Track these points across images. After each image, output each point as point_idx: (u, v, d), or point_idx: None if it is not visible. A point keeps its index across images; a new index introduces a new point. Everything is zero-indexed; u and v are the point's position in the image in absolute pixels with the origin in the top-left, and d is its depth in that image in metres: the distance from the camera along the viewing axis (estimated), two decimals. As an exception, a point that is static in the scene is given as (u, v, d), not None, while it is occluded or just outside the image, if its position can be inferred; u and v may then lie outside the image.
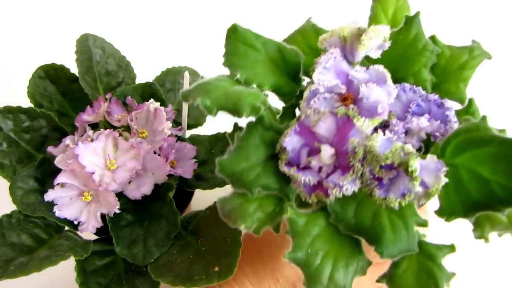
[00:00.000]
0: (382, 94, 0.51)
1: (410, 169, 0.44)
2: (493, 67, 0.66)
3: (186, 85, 0.68)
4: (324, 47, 0.55)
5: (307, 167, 0.50)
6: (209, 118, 0.80)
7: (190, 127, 0.78)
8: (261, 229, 0.49)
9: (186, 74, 0.68)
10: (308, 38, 0.61)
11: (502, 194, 0.43)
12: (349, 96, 0.52)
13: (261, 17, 1.17)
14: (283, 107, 0.58)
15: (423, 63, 0.57)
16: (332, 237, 0.49)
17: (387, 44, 0.53)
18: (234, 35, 0.55)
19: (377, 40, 0.52)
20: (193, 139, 0.75)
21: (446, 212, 0.47)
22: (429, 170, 0.45)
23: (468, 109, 0.57)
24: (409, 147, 0.45)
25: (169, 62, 0.83)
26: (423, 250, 0.49)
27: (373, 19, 0.61)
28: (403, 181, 0.45)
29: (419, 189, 0.45)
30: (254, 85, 0.53)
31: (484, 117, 0.46)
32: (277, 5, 1.21)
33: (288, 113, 0.57)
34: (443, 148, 0.47)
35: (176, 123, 0.76)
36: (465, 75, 0.57)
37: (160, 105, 0.69)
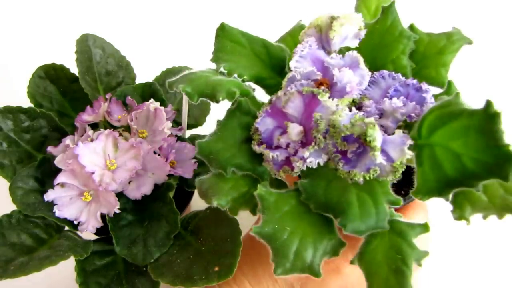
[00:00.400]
0: (353, 76, 0.52)
1: (368, 139, 0.44)
2: (476, 54, 0.66)
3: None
4: (302, 39, 0.57)
5: (277, 147, 0.52)
6: (209, 118, 0.80)
7: (190, 127, 0.78)
8: (236, 209, 0.52)
9: (186, 74, 0.67)
10: (296, 37, 0.62)
11: (473, 167, 0.43)
12: (325, 81, 0.54)
13: (260, 17, 1.17)
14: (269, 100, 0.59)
15: (401, 50, 0.57)
16: (301, 215, 0.50)
17: (363, 33, 0.55)
18: (222, 33, 0.58)
19: (349, 26, 0.53)
20: (193, 139, 0.75)
21: (422, 191, 0.46)
22: (395, 144, 0.46)
23: (448, 92, 0.57)
24: (370, 119, 0.45)
25: (169, 62, 0.83)
26: (394, 228, 0.49)
27: None
28: (368, 156, 0.46)
29: (383, 162, 0.45)
30: (235, 75, 0.56)
31: (457, 93, 0.45)
32: (276, 5, 1.21)
33: None
34: (419, 128, 0.47)
35: (176, 123, 0.76)
36: (444, 59, 0.58)
37: (160, 105, 0.69)
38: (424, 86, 0.54)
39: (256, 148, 0.52)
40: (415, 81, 0.54)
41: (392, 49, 0.58)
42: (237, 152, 0.53)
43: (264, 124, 0.53)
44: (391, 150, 0.46)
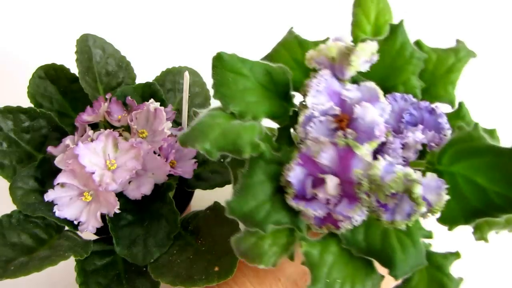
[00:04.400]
0: (377, 113, 0.51)
1: (414, 196, 0.44)
2: (476, 64, 0.66)
3: (186, 85, 0.68)
4: (312, 66, 0.55)
5: (313, 198, 0.50)
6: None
7: (190, 127, 0.78)
8: (278, 262, 0.50)
9: (186, 74, 0.68)
10: (293, 51, 0.60)
11: (500, 202, 0.44)
12: (344, 117, 0.52)
13: (260, 17, 1.17)
14: (278, 128, 0.57)
15: (412, 71, 0.57)
16: (346, 262, 0.50)
17: (375, 58, 0.53)
18: (221, 64, 0.53)
19: (366, 57, 0.52)
20: (193, 139, 0.75)
21: (448, 220, 0.48)
22: (431, 189, 0.46)
23: (458, 113, 0.57)
24: (411, 173, 0.45)
25: (169, 62, 0.83)
26: (431, 262, 0.51)
27: (356, 25, 0.61)
28: (408, 203, 0.46)
29: (424, 209, 0.46)
30: (250, 117, 0.52)
31: (476, 125, 0.46)
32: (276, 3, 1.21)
33: (284, 135, 0.57)
34: (439, 157, 0.48)
35: (176, 123, 0.76)
36: (453, 77, 0.58)
37: (160, 105, 0.69)
38: (437, 109, 0.54)
39: (294, 204, 0.50)
40: (427, 103, 0.54)
41: (403, 71, 0.57)
42: (272, 208, 0.50)
43: (296, 175, 0.50)
44: (428, 194, 0.46)
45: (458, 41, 0.59)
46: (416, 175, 0.45)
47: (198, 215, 0.67)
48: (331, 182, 0.49)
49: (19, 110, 0.70)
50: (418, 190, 0.44)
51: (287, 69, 0.57)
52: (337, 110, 0.52)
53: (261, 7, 1.20)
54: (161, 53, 1.11)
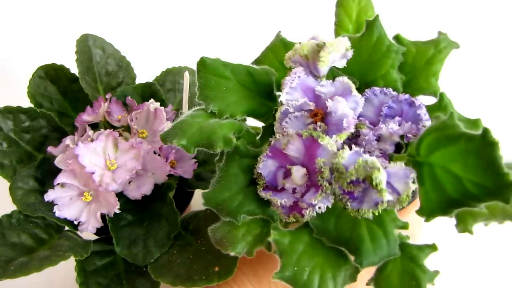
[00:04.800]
0: (348, 106, 0.52)
1: (374, 182, 0.45)
2: (463, 56, 0.66)
3: (186, 85, 0.68)
4: (289, 65, 0.56)
5: (283, 189, 0.52)
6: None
7: (190, 127, 0.78)
8: (253, 251, 0.51)
9: (186, 74, 0.68)
10: (279, 53, 0.61)
11: (474, 191, 0.43)
12: (319, 112, 0.54)
13: (259, 17, 1.17)
14: (262, 127, 0.59)
15: (390, 64, 0.57)
16: (317, 251, 0.51)
17: (350, 53, 0.54)
18: (204, 68, 0.56)
19: (337, 52, 0.53)
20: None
21: (426, 211, 0.47)
22: (398, 177, 0.46)
23: (440, 104, 0.57)
24: (373, 160, 0.45)
25: (169, 62, 0.83)
26: (405, 252, 0.50)
27: (338, 25, 0.62)
28: (375, 192, 0.46)
29: (390, 197, 0.46)
30: (228, 115, 0.55)
31: (451, 114, 0.46)
32: (279, 5, 1.21)
33: (268, 132, 0.58)
34: (417, 147, 0.48)
35: (176, 123, 0.76)
36: (434, 69, 0.58)
37: (160, 105, 0.69)
38: (417, 101, 0.54)
39: (263, 194, 0.52)
40: (407, 96, 0.55)
41: (381, 64, 0.57)
42: (244, 198, 0.53)
43: (266, 167, 0.52)
44: (396, 183, 0.46)
45: (439, 32, 0.59)
46: (378, 163, 0.45)
47: (198, 215, 0.67)
48: (298, 173, 0.51)
49: (19, 110, 0.70)
50: (379, 176, 0.44)
51: (271, 70, 0.58)
52: (311, 105, 0.54)
53: (259, 6, 1.21)
54: (161, 53, 1.11)
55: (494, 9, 1.17)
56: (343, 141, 0.51)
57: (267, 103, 0.58)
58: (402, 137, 0.53)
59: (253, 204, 0.53)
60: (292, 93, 0.54)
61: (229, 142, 0.51)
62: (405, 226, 0.51)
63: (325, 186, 0.49)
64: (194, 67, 0.83)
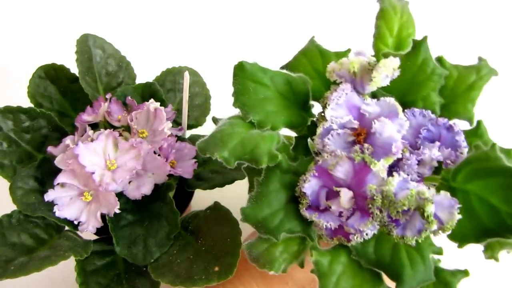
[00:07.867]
0: (394, 129, 0.51)
1: (426, 214, 0.45)
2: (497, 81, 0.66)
3: (186, 85, 0.68)
4: (333, 79, 0.55)
5: (326, 210, 0.51)
6: (209, 117, 0.80)
7: (190, 127, 0.78)
8: (288, 268, 0.51)
9: (186, 74, 0.68)
10: (313, 60, 0.60)
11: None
12: (362, 131, 0.53)
13: (259, 17, 1.17)
14: (295, 137, 0.58)
15: (432, 87, 0.57)
16: (355, 273, 0.51)
17: (397, 73, 0.53)
18: (242, 73, 0.54)
19: (387, 73, 0.52)
20: (193, 139, 0.75)
21: (458, 237, 0.48)
22: (443, 207, 0.46)
23: (476, 131, 0.57)
24: (425, 191, 0.45)
25: (169, 62, 0.83)
26: (439, 278, 0.51)
27: (378, 38, 0.61)
28: (419, 220, 0.46)
29: (434, 227, 0.46)
30: (269, 127, 0.53)
31: (493, 145, 0.46)
32: (280, 8, 1.21)
33: (301, 144, 0.57)
34: (454, 174, 0.48)
35: (176, 123, 0.76)
36: (473, 95, 0.58)
37: (160, 105, 0.69)
38: (455, 126, 0.54)
39: (307, 214, 0.51)
40: (445, 120, 0.55)
41: (423, 86, 0.57)
42: (285, 216, 0.51)
43: (311, 186, 0.51)
44: (440, 212, 0.46)
45: (480, 58, 0.59)
46: (429, 193, 0.45)
47: (198, 215, 0.67)
48: (345, 196, 0.49)
49: (19, 110, 0.70)
50: (430, 209, 0.44)
51: (307, 78, 0.57)
52: (355, 124, 0.53)
53: (259, 6, 1.20)
54: (161, 53, 1.11)
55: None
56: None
57: (302, 114, 0.57)
58: (439, 161, 0.53)
59: (294, 222, 0.51)
60: (337, 110, 0.53)
61: (274, 158, 0.50)
62: (440, 251, 0.52)
63: (376, 214, 0.48)
64: (194, 67, 0.84)
